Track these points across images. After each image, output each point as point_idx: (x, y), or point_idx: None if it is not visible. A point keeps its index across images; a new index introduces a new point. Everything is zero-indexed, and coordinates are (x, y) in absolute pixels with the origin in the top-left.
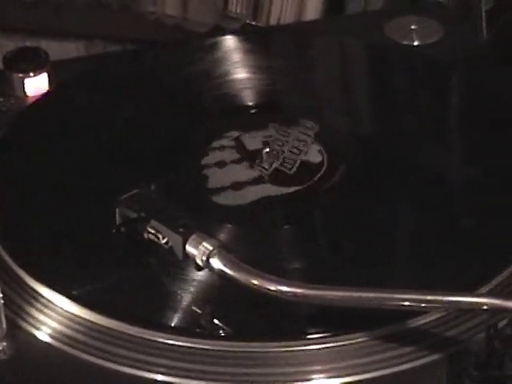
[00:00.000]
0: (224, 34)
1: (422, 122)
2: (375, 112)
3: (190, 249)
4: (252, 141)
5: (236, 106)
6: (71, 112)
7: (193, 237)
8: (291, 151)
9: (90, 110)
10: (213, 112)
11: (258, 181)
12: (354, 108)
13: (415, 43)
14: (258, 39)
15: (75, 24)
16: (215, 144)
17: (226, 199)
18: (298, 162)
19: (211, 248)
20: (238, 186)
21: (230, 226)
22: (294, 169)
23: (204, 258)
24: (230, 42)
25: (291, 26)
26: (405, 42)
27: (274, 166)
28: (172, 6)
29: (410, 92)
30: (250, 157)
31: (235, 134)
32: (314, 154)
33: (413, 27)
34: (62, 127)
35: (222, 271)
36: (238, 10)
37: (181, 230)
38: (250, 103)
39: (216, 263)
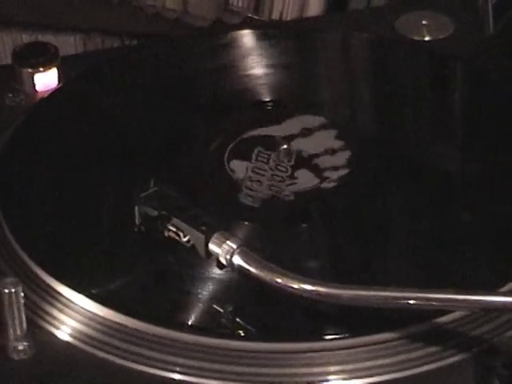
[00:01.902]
0: (230, 28)
1: (434, 120)
2: (392, 110)
3: (212, 247)
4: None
5: (253, 101)
6: (84, 107)
7: (215, 235)
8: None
9: (103, 106)
10: (231, 108)
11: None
12: (369, 105)
13: (426, 38)
14: (276, 34)
15: (73, 17)
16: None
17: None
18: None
19: (235, 246)
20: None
21: (247, 223)
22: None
23: (228, 257)
24: (245, 36)
25: (301, 20)
26: (416, 38)
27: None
28: None
29: (424, 89)
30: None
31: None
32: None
33: (423, 22)
34: (75, 123)
35: (246, 270)
36: (240, 4)
37: (203, 228)
38: (268, 98)
39: (240, 262)
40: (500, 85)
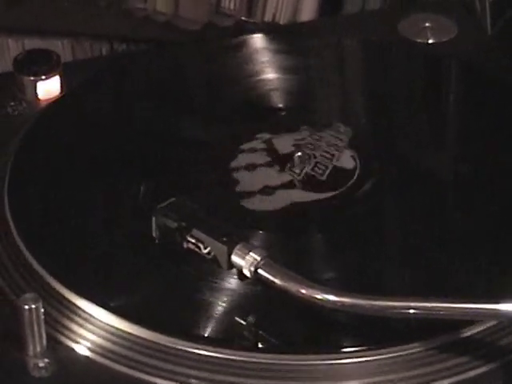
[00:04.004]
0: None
1: (454, 126)
2: (409, 116)
3: (235, 259)
4: (283, 144)
5: (266, 107)
6: (91, 114)
7: (238, 246)
8: (323, 156)
9: (110, 113)
10: (242, 113)
11: (288, 186)
12: (386, 111)
13: (429, 41)
14: (286, 38)
15: (61, 22)
16: (245, 146)
17: (255, 204)
18: (331, 167)
19: (259, 258)
20: (268, 190)
21: (259, 232)
22: (326, 174)
23: (252, 269)
24: (257, 41)
25: (308, 23)
26: (419, 40)
27: (306, 170)
28: (163, 2)
29: (427, 92)
30: (281, 160)
31: (266, 136)
32: (347, 160)
33: (426, 24)
34: (82, 130)
35: (271, 281)
36: (232, 7)
37: (224, 239)
38: (280, 105)
39: (265, 273)
40: (500, 85)
